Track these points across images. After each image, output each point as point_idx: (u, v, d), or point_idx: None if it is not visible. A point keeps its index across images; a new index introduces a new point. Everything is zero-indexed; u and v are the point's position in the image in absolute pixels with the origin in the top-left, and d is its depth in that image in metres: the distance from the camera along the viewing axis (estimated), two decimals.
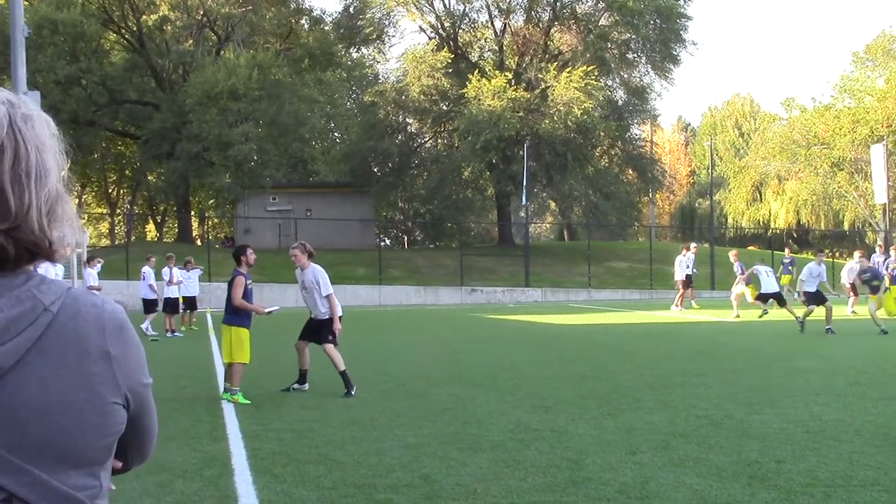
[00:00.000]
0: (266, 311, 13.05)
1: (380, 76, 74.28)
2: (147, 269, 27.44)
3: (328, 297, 12.95)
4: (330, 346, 12.89)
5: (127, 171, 75.50)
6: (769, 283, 27.91)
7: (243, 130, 52.91)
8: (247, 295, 12.71)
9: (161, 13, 60.84)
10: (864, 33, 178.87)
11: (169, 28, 61.65)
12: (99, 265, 26.96)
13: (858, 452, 8.59)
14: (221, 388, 13.07)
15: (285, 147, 55.99)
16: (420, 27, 66.53)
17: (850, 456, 8.44)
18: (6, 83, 37.68)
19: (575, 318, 30.58)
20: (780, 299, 27.85)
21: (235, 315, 12.66)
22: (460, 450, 9.06)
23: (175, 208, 70.14)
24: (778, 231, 78.11)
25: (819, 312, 23.90)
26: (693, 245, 35.88)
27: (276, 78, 55.03)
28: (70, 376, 1.70)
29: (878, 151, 55.47)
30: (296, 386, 13.23)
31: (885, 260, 33.47)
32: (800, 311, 24.58)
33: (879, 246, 37.30)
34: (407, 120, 65.68)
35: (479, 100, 54.89)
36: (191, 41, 62.38)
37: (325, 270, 13.34)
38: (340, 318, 13.40)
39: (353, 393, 12.57)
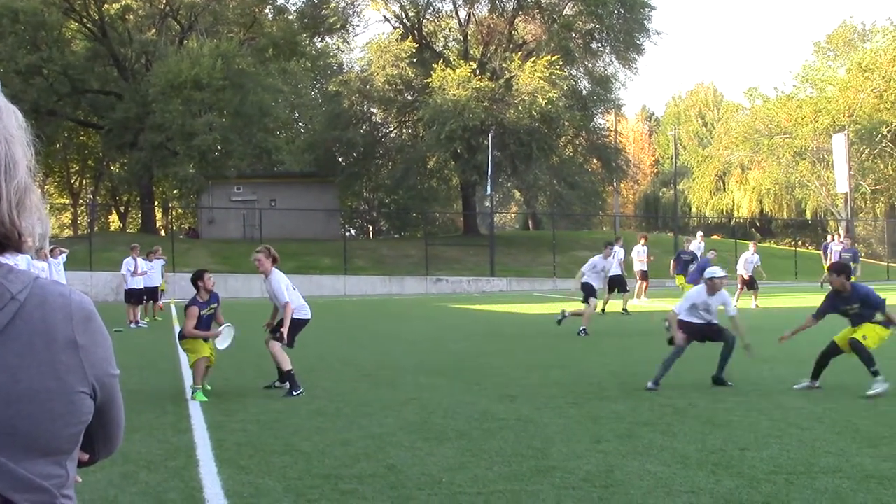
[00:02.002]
0: (218, 336, 12.62)
1: (344, 66, 74.09)
2: (156, 261, 27.81)
3: (285, 305, 12.58)
4: (276, 344, 12.42)
5: (90, 162, 74.96)
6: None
7: (207, 120, 52.63)
8: (201, 324, 12.48)
9: (123, 2, 60.33)
10: (826, 23, 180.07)
11: (131, 17, 61.20)
12: (63, 255, 26.69)
13: (820, 440, 8.67)
14: (188, 384, 12.93)
15: (249, 137, 55.77)
16: (384, 16, 66.41)
17: (813, 443, 8.52)
18: None
19: (540, 308, 30.64)
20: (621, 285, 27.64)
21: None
22: (426, 439, 9.07)
23: (138, 199, 69.74)
24: (741, 220, 78.63)
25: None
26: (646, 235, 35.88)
27: (239, 68, 54.75)
28: (37, 365, 1.69)
29: (840, 141, 56.00)
30: (277, 384, 12.96)
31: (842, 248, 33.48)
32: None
33: (837, 234, 37.43)
34: (371, 110, 65.55)
35: (444, 89, 54.83)
36: (154, 30, 61.99)
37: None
38: (307, 322, 13.04)
39: (294, 394, 12.04)
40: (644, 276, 32.34)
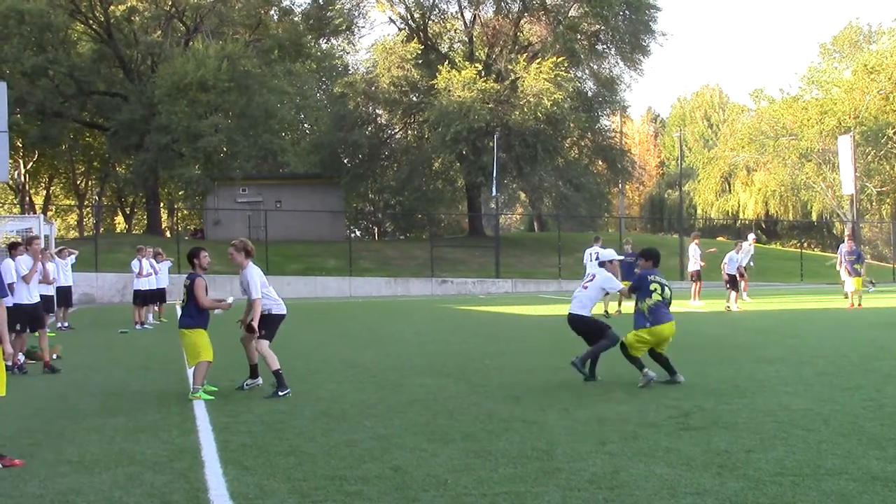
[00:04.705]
0: (229, 301, 12.77)
1: (349, 67, 74.21)
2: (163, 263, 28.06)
3: (253, 301, 12.42)
4: (263, 343, 12.43)
5: (95, 163, 75.03)
6: (591, 269, 27.16)
7: (213, 122, 52.75)
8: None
9: (129, 3, 60.46)
10: (832, 25, 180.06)
11: (137, 18, 61.30)
12: (72, 257, 26.63)
13: (826, 441, 8.65)
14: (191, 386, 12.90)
15: (255, 138, 55.87)
16: (390, 18, 66.62)
17: (819, 445, 8.50)
18: None
19: (545, 309, 30.60)
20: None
21: (192, 318, 12.43)
22: (431, 441, 9.06)
23: (144, 200, 69.83)
24: (747, 222, 78.56)
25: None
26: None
27: (245, 69, 54.85)
28: None
29: (845, 142, 55.87)
30: (249, 381, 12.94)
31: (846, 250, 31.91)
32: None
33: (847, 236, 36.92)
34: (377, 111, 65.62)
35: (449, 91, 54.88)
36: (159, 32, 62.09)
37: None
38: (283, 317, 12.91)
39: (280, 394, 11.98)
40: (698, 276, 31.56)
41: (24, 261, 16.05)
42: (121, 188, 77.22)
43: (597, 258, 27.60)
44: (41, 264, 16.62)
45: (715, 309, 29.04)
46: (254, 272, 12.57)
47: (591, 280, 13.88)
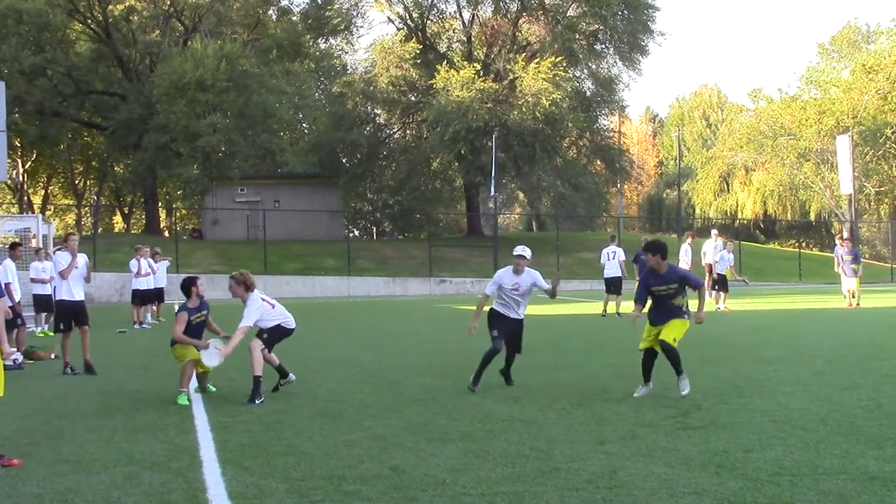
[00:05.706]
0: (206, 348, 12.42)
1: (348, 67, 74.13)
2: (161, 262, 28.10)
3: (240, 328, 12.19)
4: (257, 344, 12.27)
5: (94, 163, 75.03)
6: (610, 268, 27.28)
7: (211, 121, 52.75)
8: (192, 330, 12.50)
9: (127, 3, 60.47)
10: (830, 25, 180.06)
11: (135, 18, 61.34)
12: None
13: (824, 441, 8.65)
14: (192, 387, 12.87)
15: (253, 138, 55.88)
16: (388, 18, 66.58)
17: (816, 445, 8.50)
18: None
19: (544, 309, 30.56)
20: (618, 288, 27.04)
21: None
22: (429, 440, 9.06)
23: (142, 199, 69.81)
24: (745, 221, 78.55)
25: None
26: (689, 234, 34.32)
27: (243, 69, 54.86)
28: None
29: (844, 142, 55.89)
30: (282, 383, 12.82)
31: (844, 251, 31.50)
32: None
33: (839, 236, 36.76)
34: (375, 111, 65.60)
35: (448, 91, 54.86)
36: (157, 31, 62.10)
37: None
38: (291, 331, 12.78)
39: (255, 402, 11.70)
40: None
41: (63, 257, 15.98)
42: (119, 188, 77.23)
43: (614, 257, 27.81)
44: (84, 258, 16.50)
45: (709, 309, 29.02)
46: (254, 302, 12.44)
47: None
